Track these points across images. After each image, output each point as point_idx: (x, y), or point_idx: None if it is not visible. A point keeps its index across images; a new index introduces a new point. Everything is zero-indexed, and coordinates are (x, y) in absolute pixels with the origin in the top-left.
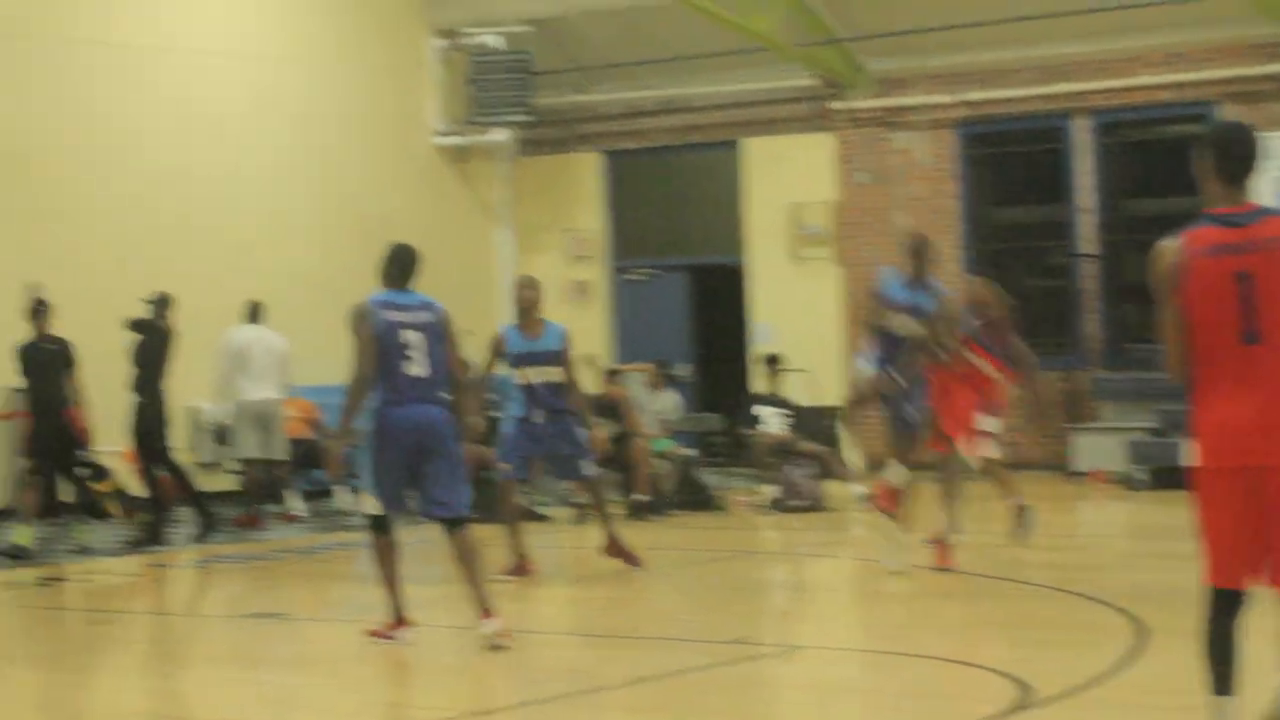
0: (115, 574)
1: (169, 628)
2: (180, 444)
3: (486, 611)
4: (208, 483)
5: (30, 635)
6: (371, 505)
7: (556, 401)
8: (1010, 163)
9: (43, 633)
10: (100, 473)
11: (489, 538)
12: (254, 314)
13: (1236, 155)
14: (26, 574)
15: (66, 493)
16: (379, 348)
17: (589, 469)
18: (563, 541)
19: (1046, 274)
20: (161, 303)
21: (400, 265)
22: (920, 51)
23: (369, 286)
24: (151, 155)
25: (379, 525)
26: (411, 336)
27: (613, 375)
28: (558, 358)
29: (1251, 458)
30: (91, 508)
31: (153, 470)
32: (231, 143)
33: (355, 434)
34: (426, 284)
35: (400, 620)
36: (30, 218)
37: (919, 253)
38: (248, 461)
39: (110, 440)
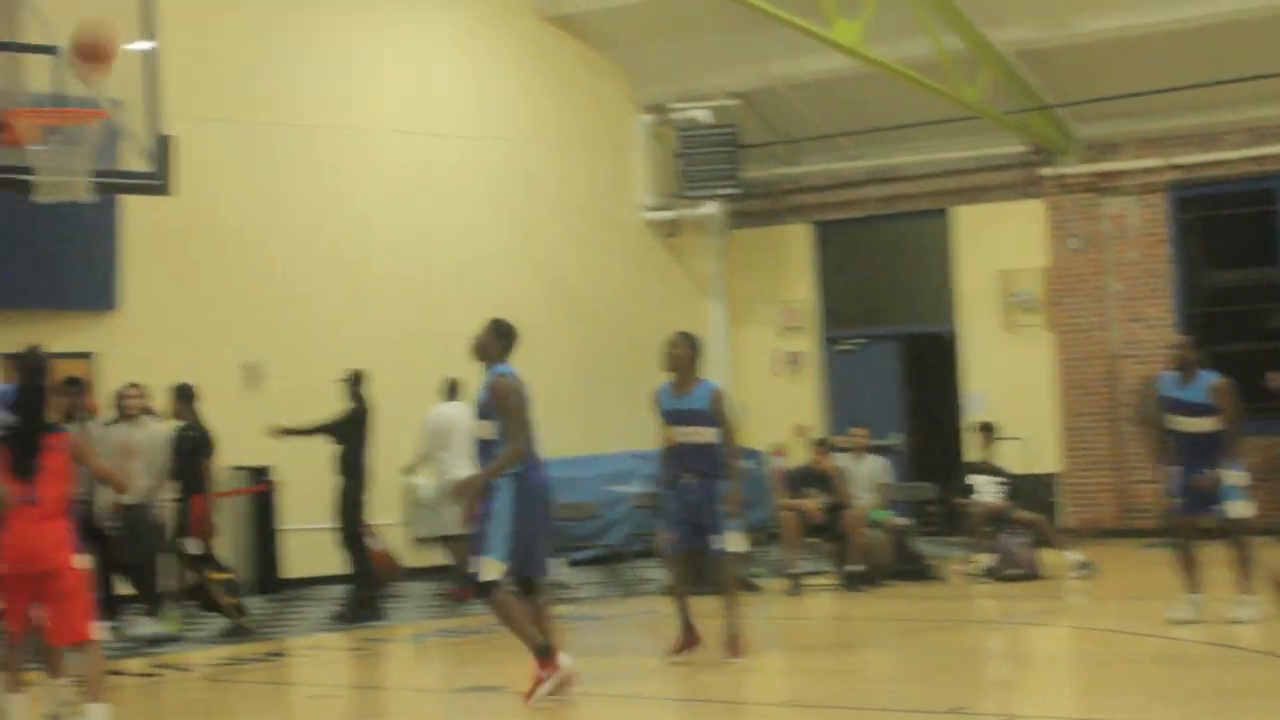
0: (331, 649)
1: (387, 702)
2: (396, 519)
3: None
4: (421, 558)
5: (253, 711)
6: (495, 570)
7: (701, 464)
8: (1222, 225)
9: (266, 707)
10: (209, 562)
11: (705, 610)
12: (452, 391)
13: None
14: (247, 649)
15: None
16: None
17: (723, 543)
18: (776, 611)
19: (1261, 337)
20: (354, 380)
21: (513, 341)
22: (1130, 116)
23: (579, 361)
24: (366, 234)
25: (494, 588)
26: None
27: (822, 445)
28: (705, 417)
29: None
30: (199, 596)
31: (358, 547)
32: (444, 221)
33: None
34: (639, 358)
35: (552, 661)
36: (257, 297)
37: (1184, 354)
38: (453, 537)
39: (312, 518)
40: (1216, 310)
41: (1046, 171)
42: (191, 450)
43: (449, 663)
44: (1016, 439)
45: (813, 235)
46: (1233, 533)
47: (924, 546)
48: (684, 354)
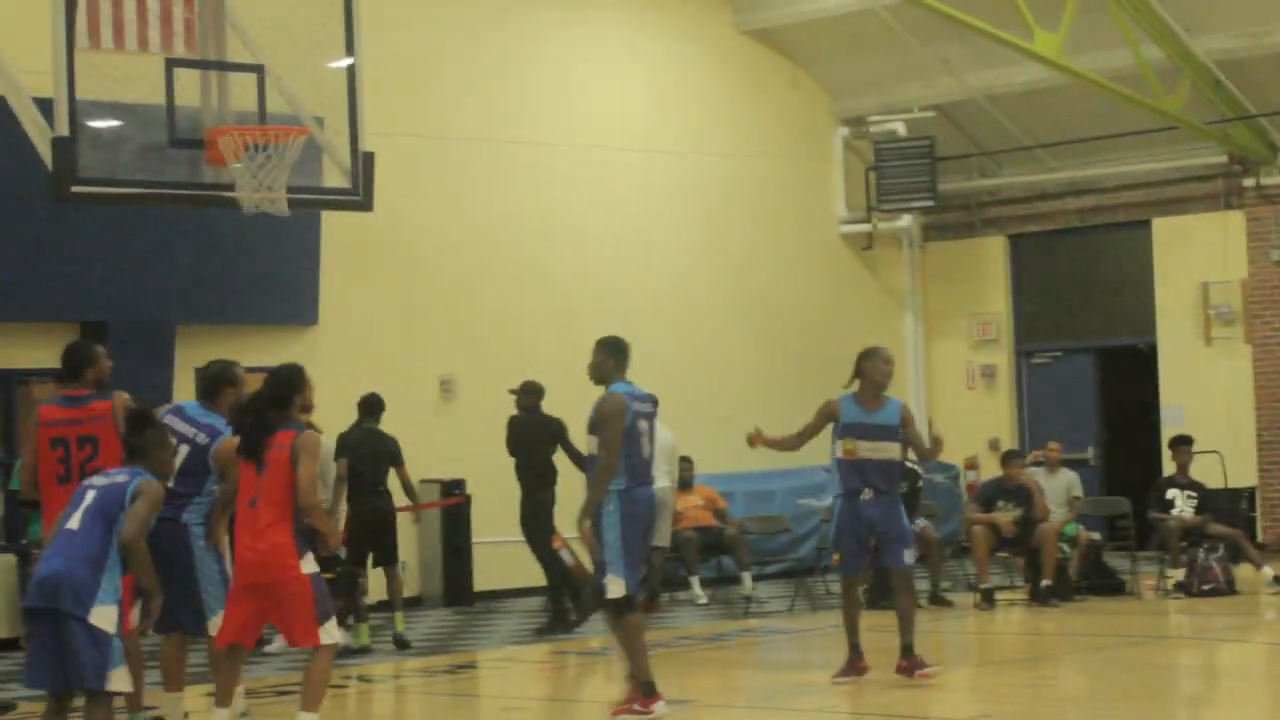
0: (523, 661)
1: (575, 715)
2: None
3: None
4: None
5: None
6: (619, 587)
7: (886, 481)
8: None
9: (454, 719)
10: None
11: (882, 624)
12: None
13: None
14: (440, 661)
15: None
16: (629, 435)
17: (908, 558)
18: (966, 626)
19: None
20: (528, 392)
21: (626, 355)
22: None
23: (772, 374)
24: (565, 249)
25: (627, 606)
26: (644, 425)
27: (1014, 458)
28: (895, 433)
29: None
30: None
31: (552, 558)
32: (642, 236)
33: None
34: (833, 372)
35: (653, 698)
36: (453, 312)
37: None
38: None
39: (504, 530)
40: None
41: (1247, 182)
42: (372, 458)
43: None
44: (1213, 453)
45: (1008, 248)
46: None
47: (1117, 561)
48: (892, 371)
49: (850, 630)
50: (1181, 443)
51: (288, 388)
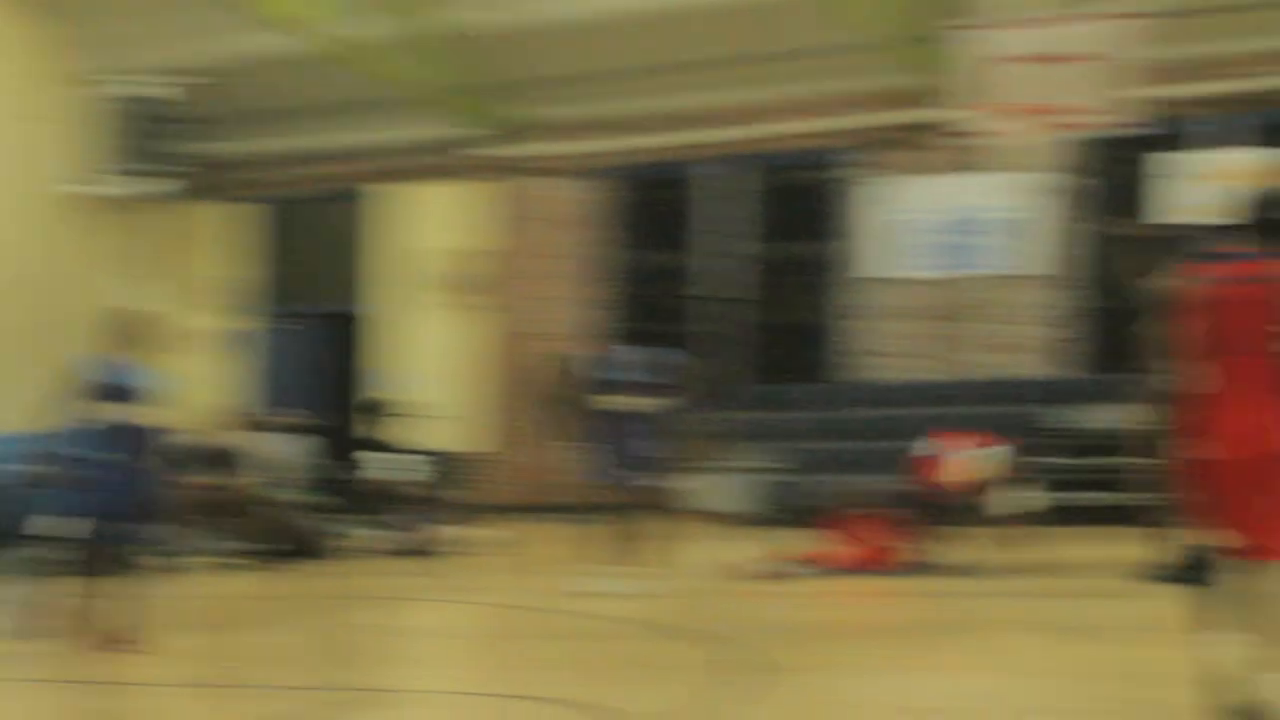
0: None
1: None
2: None
3: None
4: None
5: None
6: None
7: (130, 445)
8: (646, 208)
9: None
10: None
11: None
12: None
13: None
14: None
15: None
16: None
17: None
18: (170, 591)
19: (681, 318)
20: None
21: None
22: (557, 100)
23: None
24: None
25: None
26: None
27: (230, 421)
28: (143, 396)
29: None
30: None
31: None
32: None
33: None
34: (62, 333)
35: None
36: None
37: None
38: None
39: None
40: (640, 290)
41: (471, 153)
42: None
43: None
44: (436, 417)
45: (249, 214)
46: (648, 508)
47: (321, 524)
48: (138, 332)
49: (81, 596)
50: (386, 406)
51: None
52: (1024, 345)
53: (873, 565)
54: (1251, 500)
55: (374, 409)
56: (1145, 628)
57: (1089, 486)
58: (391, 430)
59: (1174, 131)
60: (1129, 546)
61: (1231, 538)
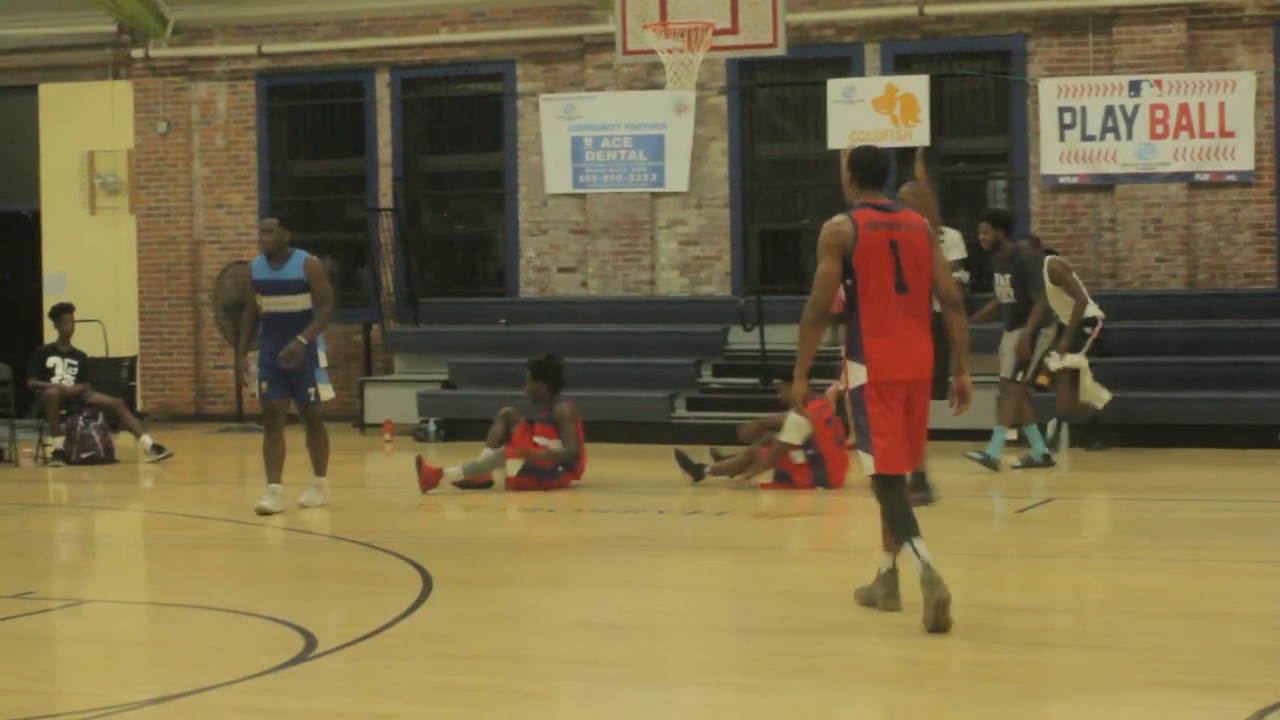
0: None
1: None
2: None
3: None
4: None
5: None
6: None
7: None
8: (312, 116)
9: None
10: None
11: None
12: None
13: (877, 168)
14: None
15: None
16: None
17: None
18: None
19: (344, 227)
20: None
21: None
22: (222, 2)
23: None
24: None
25: None
26: None
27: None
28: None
29: (906, 373)
30: None
31: None
32: None
33: None
34: None
35: None
36: None
37: (276, 236)
38: None
39: None
40: (303, 199)
41: (136, 53)
42: None
43: None
44: (96, 321)
45: None
46: (314, 416)
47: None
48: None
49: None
50: (63, 310)
51: None
52: (671, 264)
53: (554, 483)
54: (903, 419)
55: (60, 313)
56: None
57: (750, 406)
58: (69, 335)
59: (829, 56)
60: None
61: (895, 451)
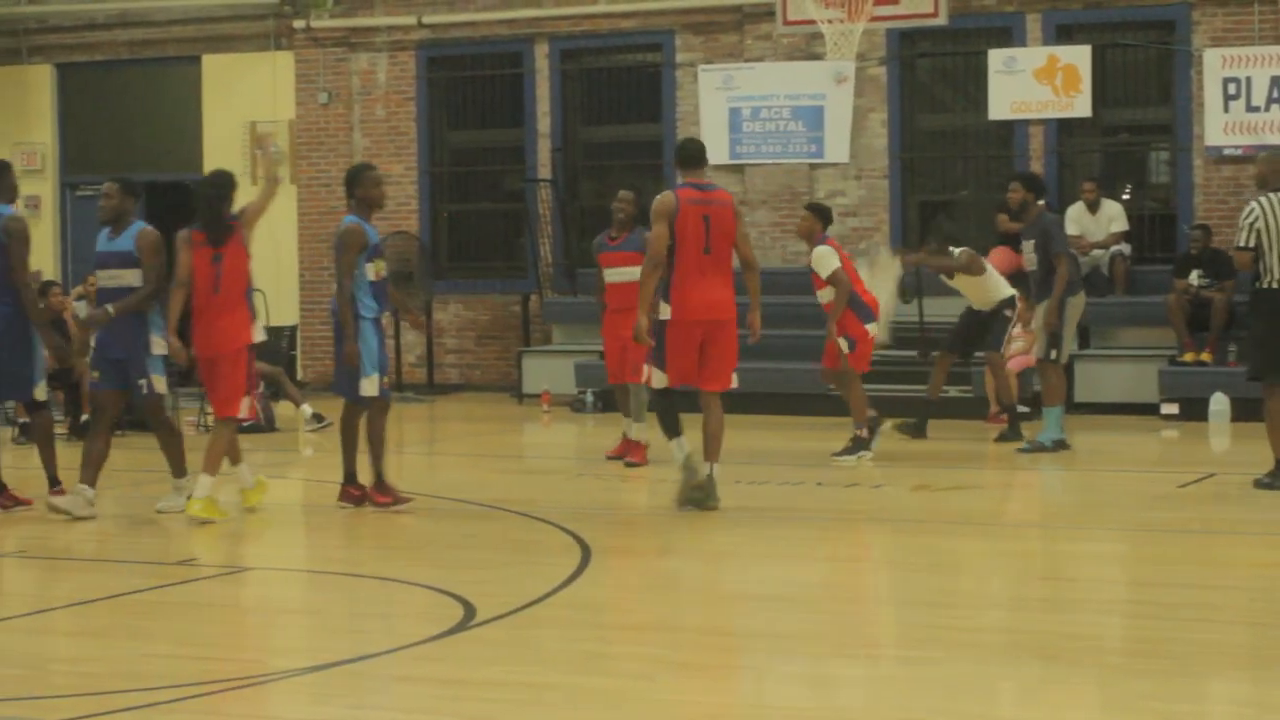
0: None
1: None
2: None
3: None
4: None
5: None
6: None
7: None
8: (470, 87)
9: None
10: None
11: None
12: None
13: (695, 155)
14: None
15: None
16: None
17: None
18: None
19: (502, 198)
20: None
21: None
22: None
23: None
24: None
25: None
26: None
27: (48, 288)
28: None
29: (700, 315)
30: None
31: None
32: None
33: None
34: None
35: None
36: None
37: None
38: None
39: None
40: (461, 169)
41: (297, 24)
42: None
43: None
44: (257, 291)
45: (55, 77)
46: (153, 411)
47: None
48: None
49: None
50: None
51: None
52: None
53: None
54: (705, 351)
55: None
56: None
57: None
58: None
59: (990, 26)
60: None
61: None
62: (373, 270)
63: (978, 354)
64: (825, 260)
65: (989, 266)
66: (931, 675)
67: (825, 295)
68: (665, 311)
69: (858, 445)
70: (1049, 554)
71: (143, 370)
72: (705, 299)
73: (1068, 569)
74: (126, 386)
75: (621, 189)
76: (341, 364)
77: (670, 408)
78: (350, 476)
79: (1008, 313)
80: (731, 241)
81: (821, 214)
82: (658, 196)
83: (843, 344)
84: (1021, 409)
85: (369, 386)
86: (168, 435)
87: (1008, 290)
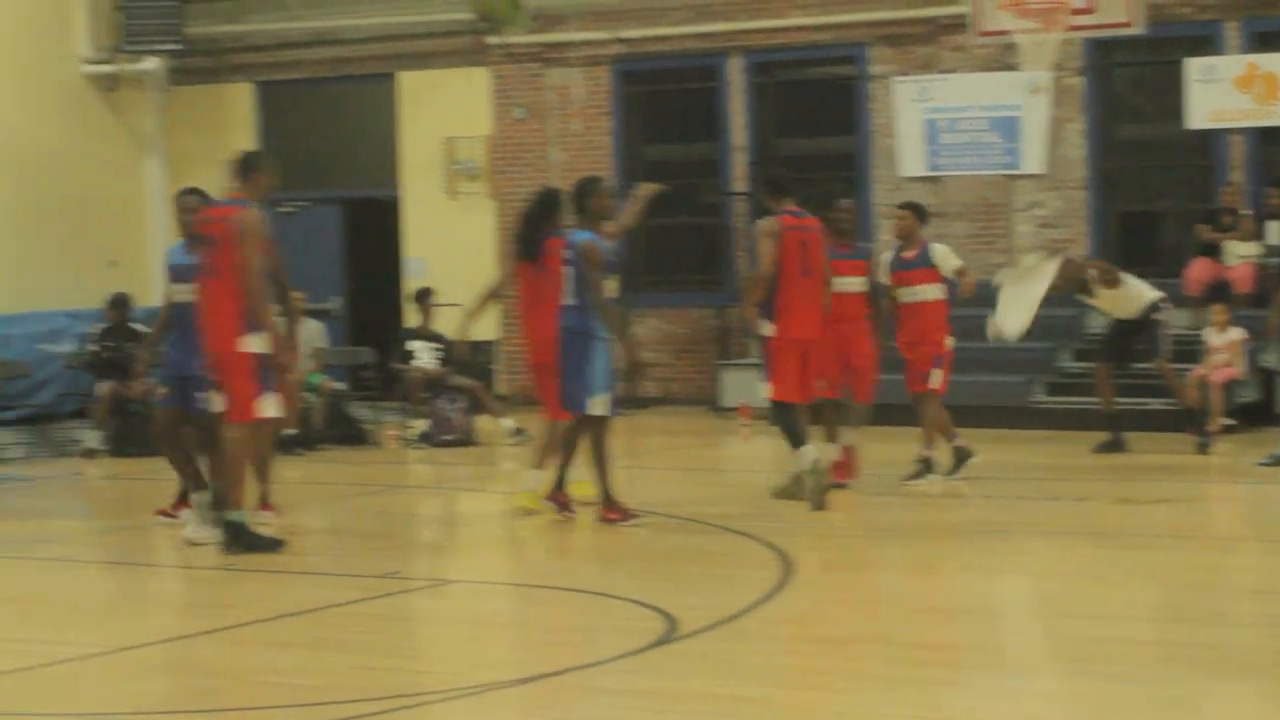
0: None
1: None
2: None
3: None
4: None
5: None
6: None
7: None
8: (665, 100)
9: None
10: None
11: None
12: None
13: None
14: None
15: None
16: None
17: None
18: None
19: (699, 211)
20: None
21: None
22: None
23: (11, 217)
24: None
25: None
26: None
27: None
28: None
29: (804, 333)
30: None
31: None
32: None
33: None
34: (75, 215)
35: None
36: None
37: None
38: None
39: None
40: (656, 183)
41: (492, 40)
42: None
43: None
44: (456, 305)
45: (255, 95)
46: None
47: (360, 411)
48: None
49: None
50: (424, 295)
51: None
52: (1027, 247)
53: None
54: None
55: (422, 298)
56: None
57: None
58: (434, 319)
59: (1188, 34)
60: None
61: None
62: (607, 288)
63: (1142, 365)
64: (947, 257)
65: (1126, 277)
66: (1135, 692)
67: (931, 292)
68: (768, 329)
69: (927, 468)
70: (1261, 568)
71: (204, 387)
72: (809, 318)
73: None
74: (185, 405)
75: (841, 199)
76: (572, 379)
77: (790, 420)
78: (607, 497)
79: (1155, 316)
80: (823, 264)
81: (920, 213)
82: (759, 221)
83: (935, 377)
84: (1227, 422)
85: (599, 405)
86: (220, 458)
87: (1152, 294)
